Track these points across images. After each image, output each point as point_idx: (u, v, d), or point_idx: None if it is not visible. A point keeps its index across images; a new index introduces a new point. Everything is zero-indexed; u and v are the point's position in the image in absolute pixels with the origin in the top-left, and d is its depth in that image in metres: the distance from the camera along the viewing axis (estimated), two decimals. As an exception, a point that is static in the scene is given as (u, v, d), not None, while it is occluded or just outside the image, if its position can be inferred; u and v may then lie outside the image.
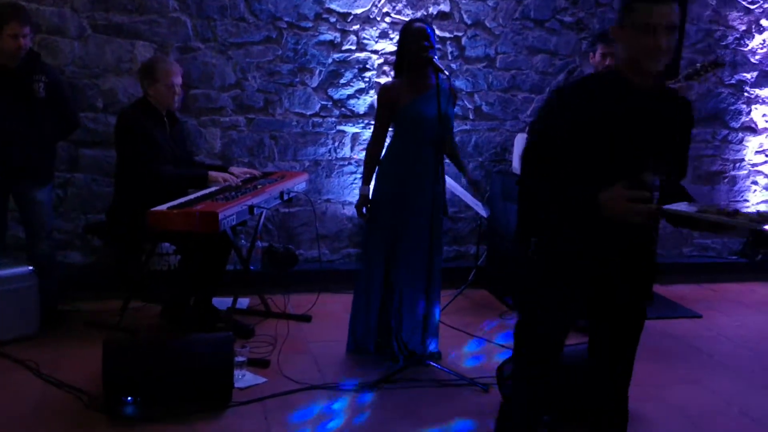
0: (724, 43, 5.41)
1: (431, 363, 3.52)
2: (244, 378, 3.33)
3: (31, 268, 3.74)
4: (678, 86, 3.80)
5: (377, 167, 3.57)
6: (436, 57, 3.31)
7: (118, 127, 3.84)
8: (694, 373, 3.69)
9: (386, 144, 3.60)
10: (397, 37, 4.73)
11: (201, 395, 3.06)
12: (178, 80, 3.85)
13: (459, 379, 3.42)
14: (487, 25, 4.97)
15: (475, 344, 3.96)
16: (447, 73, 3.27)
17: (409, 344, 3.59)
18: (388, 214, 3.51)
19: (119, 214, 3.83)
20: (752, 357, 3.97)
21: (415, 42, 3.36)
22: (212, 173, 3.88)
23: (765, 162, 5.69)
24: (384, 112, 3.52)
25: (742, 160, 5.64)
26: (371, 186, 3.55)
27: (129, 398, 2.96)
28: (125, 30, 4.38)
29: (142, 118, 3.77)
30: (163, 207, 3.32)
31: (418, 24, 3.45)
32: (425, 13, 4.84)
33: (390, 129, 3.59)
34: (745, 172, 5.67)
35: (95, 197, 4.48)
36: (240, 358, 3.34)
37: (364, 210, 3.55)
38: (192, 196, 3.61)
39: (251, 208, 3.49)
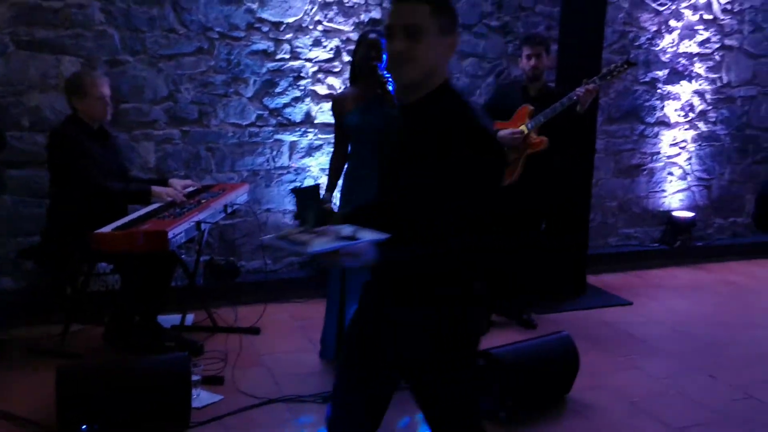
0: (637, 44, 5.72)
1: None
2: (200, 397, 3.29)
3: (-36, 298, 3.57)
4: (590, 87, 3.97)
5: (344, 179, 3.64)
6: (382, 68, 3.37)
7: (51, 146, 3.71)
8: (632, 359, 3.91)
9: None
10: (331, 45, 4.83)
11: (159, 418, 3.00)
12: (107, 91, 3.76)
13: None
14: (417, 30, 5.06)
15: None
16: (390, 87, 3.33)
17: None
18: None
19: (55, 235, 3.71)
20: (683, 340, 4.23)
21: (365, 52, 3.42)
22: (155, 188, 3.79)
23: (679, 154, 6.05)
24: (336, 123, 3.59)
25: (658, 152, 5.98)
26: (335, 194, 3.62)
27: (85, 426, 2.88)
28: (50, 45, 4.23)
29: (76, 135, 3.66)
30: (108, 228, 3.24)
31: (372, 35, 3.51)
32: (357, 21, 4.89)
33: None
34: (662, 164, 6.01)
35: (25, 220, 4.30)
36: (194, 377, 3.30)
37: None
38: (135, 215, 3.54)
39: (198, 224, 3.46)
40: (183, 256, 4.49)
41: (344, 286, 3.57)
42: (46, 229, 3.79)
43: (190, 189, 4.00)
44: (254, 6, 4.62)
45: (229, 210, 4.00)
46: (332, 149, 3.74)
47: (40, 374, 3.48)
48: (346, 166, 3.62)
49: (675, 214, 6.02)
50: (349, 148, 3.61)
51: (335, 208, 3.65)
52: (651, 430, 3.16)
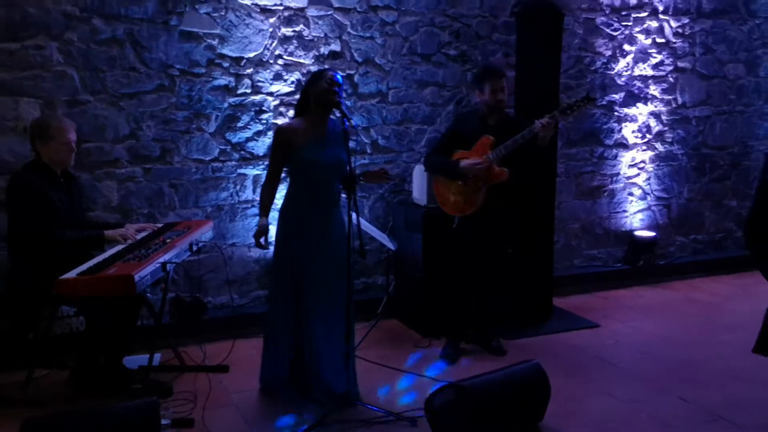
0: (593, 68, 5.86)
1: (357, 402, 3.57)
2: (170, 441, 3.25)
3: None
4: (550, 121, 3.99)
5: (279, 210, 3.70)
6: (344, 104, 3.42)
7: (9, 190, 3.67)
8: (602, 384, 3.95)
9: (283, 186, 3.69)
10: (292, 78, 4.86)
11: (128, 465, 2.96)
12: (73, 137, 3.74)
13: (386, 416, 3.49)
14: (378, 62, 5.13)
15: (396, 376, 4.04)
16: (353, 121, 3.38)
17: (330, 385, 3.62)
18: (290, 257, 3.61)
19: (17, 281, 3.64)
20: (652, 362, 4.28)
21: (324, 85, 3.47)
22: (108, 232, 3.77)
23: (638, 174, 6.19)
24: (278, 153, 3.62)
25: (618, 174, 6.11)
26: (268, 220, 3.65)
27: (50, 479, 2.82)
28: (7, 87, 4.18)
29: (36, 180, 3.62)
30: (72, 274, 3.20)
31: (330, 72, 3.57)
32: (317, 53, 4.93)
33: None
34: (622, 185, 6.14)
35: (-15, 264, 4.22)
36: (164, 421, 3.26)
37: (262, 240, 3.62)
38: (99, 259, 3.49)
39: (164, 264, 3.43)
40: (148, 294, 4.44)
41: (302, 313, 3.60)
42: (9, 274, 3.72)
43: (145, 233, 3.96)
44: (214, 42, 4.64)
45: (195, 248, 3.98)
46: (267, 176, 3.73)
47: (4, 425, 3.40)
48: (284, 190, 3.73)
49: (637, 233, 6.14)
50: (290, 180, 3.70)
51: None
52: (622, 454, 3.19)
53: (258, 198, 4.84)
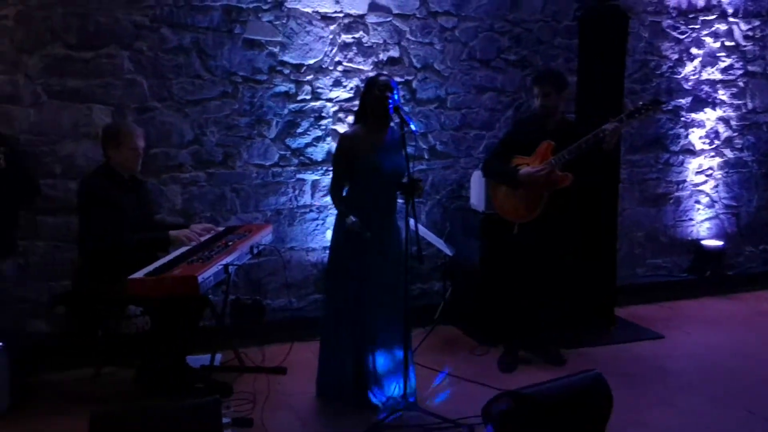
0: (658, 72, 5.72)
1: (413, 408, 3.57)
2: (229, 440, 3.31)
3: (0, 343, 3.64)
4: (617, 126, 3.92)
5: (336, 216, 3.71)
6: (403, 109, 3.44)
7: (81, 194, 3.82)
8: (668, 396, 3.84)
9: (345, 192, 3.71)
10: (351, 84, 4.91)
11: (189, 462, 3.02)
12: (142, 143, 3.86)
13: (442, 423, 3.47)
14: (436, 67, 5.13)
15: (453, 383, 4.02)
16: (411, 126, 3.38)
17: (388, 390, 3.63)
18: (350, 263, 3.62)
19: (86, 279, 3.78)
20: (718, 374, 4.14)
21: (380, 92, 3.49)
22: (173, 233, 3.87)
23: (705, 181, 5.99)
24: (341, 160, 3.64)
25: (684, 181, 5.93)
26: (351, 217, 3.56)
27: (116, 472, 2.90)
28: (81, 94, 4.36)
29: (104, 184, 3.75)
30: (140, 274, 3.31)
31: (383, 77, 3.60)
32: (376, 60, 4.97)
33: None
34: (688, 192, 5.96)
35: (57, 264, 4.40)
36: (224, 420, 3.32)
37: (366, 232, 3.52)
38: (165, 260, 3.60)
39: (226, 267, 3.51)
40: (210, 296, 4.55)
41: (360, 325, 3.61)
42: (78, 273, 3.87)
43: (209, 235, 4.05)
44: (276, 50, 4.73)
45: (255, 251, 4.05)
46: (333, 184, 3.74)
47: (72, 419, 3.53)
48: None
49: (704, 242, 5.94)
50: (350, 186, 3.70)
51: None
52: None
53: (316, 204, 4.94)
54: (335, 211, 4.94)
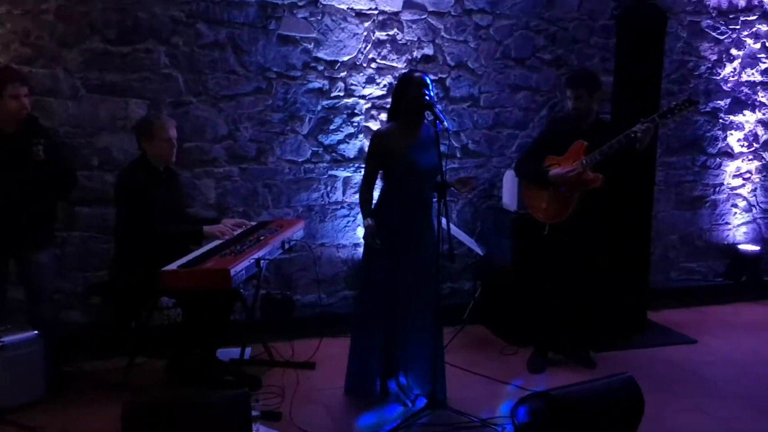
0: (697, 73, 5.62)
1: (442, 406, 3.56)
2: (258, 432, 3.34)
3: (36, 332, 3.72)
4: (650, 126, 3.86)
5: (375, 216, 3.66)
6: (437, 106, 3.43)
7: (117, 186, 3.89)
8: (699, 401, 3.78)
9: (379, 190, 3.70)
10: (385, 82, 4.91)
11: (219, 454, 3.05)
12: (174, 133, 3.91)
13: (471, 421, 3.46)
14: (470, 66, 5.11)
15: (482, 383, 4.00)
16: (445, 123, 3.37)
17: (416, 387, 3.63)
18: (384, 259, 3.60)
19: (122, 271, 3.84)
20: (752, 381, 4.07)
21: (415, 89, 3.47)
22: (206, 228, 3.91)
23: (743, 185, 5.88)
24: (374, 158, 3.63)
25: (722, 184, 5.82)
26: (372, 219, 3.57)
27: (148, 461, 2.94)
28: (118, 88, 4.43)
29: (141, 178, 3.81)
30: (174, 266, 3.35)
31: (418, 74, 3.57)
32: (410, 57, 4.96)
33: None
34: (725, 195, 5.85)
35: (93, 255, 4.48)
36: (253, 412, 3.34)
37: (373, 239, 3.54)
38: (198, 253, 3.64)
39: (258, 261, 3.54)
40: (241, 290, 4.59)
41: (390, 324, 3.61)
42: (114, 264, 3.93)
43: (241, 230, 4.08)
44: (310, 46, 4.75)
45: (287, 246, 4.07)
46: (364, 181, 3.71)
47: (106, 408, 3.59)
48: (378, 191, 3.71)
49: (740, 247, 5.83)
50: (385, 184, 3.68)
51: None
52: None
53: (347, 200, 4.95)
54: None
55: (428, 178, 3.58)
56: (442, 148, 3.43)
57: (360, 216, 4.93)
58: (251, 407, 3.30)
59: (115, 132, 4.46)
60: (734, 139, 5.80)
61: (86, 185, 4.41)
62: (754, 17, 5.69)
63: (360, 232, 4.97)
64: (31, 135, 3.70)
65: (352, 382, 3.82)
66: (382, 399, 3.71)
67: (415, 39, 4.96)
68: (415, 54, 4.98)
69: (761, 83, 5.79)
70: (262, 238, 3.87)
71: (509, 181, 4.77)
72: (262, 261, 3.59)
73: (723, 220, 5.87)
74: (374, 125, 4.91)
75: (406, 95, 3.53)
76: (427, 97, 3.45)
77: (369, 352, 3.73)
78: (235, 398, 3.12)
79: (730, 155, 5.82)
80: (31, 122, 3.76)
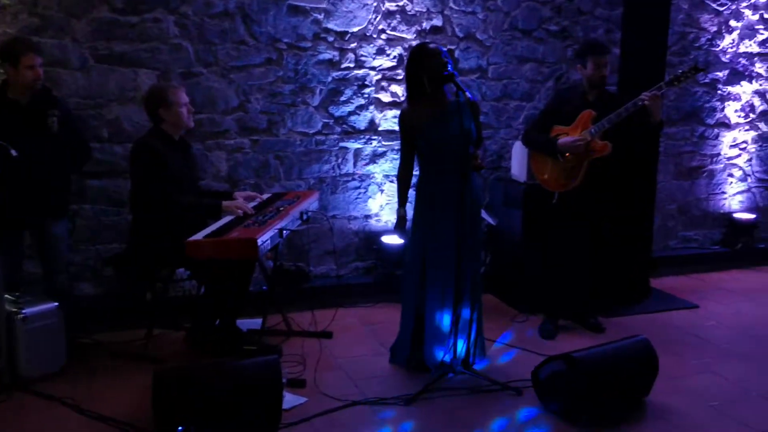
0: (697, 45, 5.69)
1: (463, 371, 3.63)
2: (286, 399, 3.37)
3: (56, 303, 3.71)
4: (657, 93, 3.92)
5: (416, 191, 3.71)
6: (458, 77, 3.44)
7: (133, 156, 3.84)
8: (706, 363, 3.91)
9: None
10: (394, 53, 4.90)
11: (251, 419, 3.10)
12: (186, 98, 3.87)
13: (491, 385, 3.54)
14: (479, 37, 5.12)
15: (497, 349, 4.09)
16: (468, 92, 3.38)
17: (442, 353, 3.65)
18: (423, 234, 3.64)
19: (141, 242, 3.83)
20: (755, 342, 4.21)
21: (434, 60, 3.47)
22: (225, 203, 3.86)
23: (739, 155, 6.00)
24: (406, 137, 3.65)
25: (719, 154, 5.94)
26: (405, 209, 3.67)
27: (181, 428, 2.98)
28: (127, 59, 4.38)
29: (157, 146, 3.78)
30: (199, 236, 3.35)
31: (432, 45, 3.57)
32: (419, 29, 4.96)
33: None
34: (722, 165, 5.97)
35: (104, 228, 4.46)
36: (281, 380, 3.39)
37: (400, 231, 3.67)
38: (219, 224, 3.65)
39: (281, 231, 3.56)
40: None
41: (422, 294, 3.65)
42: (132, 236, 3.92)
43: (255, 203, 4.08)
44: (320, 17, 4.73)
45: (305, 217, 4.09)
46: (398, 159, 3.77)
47: (126, 377, 3.62)
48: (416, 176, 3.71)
49: (736, 216, 5.97)
50: (419, 159, 3.68)
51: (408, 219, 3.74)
52: (737, 434, 3.16)
53: (358, 172, 4.97)
54: (378, 180, 5.02)
55: (463, 143, 3.50)
56: (482, 118, 3.45)
57: (371, 188, 5.00)
58: (281, 372, 3.35)
59: (125, 103, 4.42)
60: (731, 110, 5.90)
61: (96, 157, 4.36)
62: (753, -11, 5.77)
63: (371, 203, 5.02)
64: (46, 106, 3.67)
65: (393, 348, 3.87)
66: (405, 365, 3.77)
67: (425, 10, 4.95)
68: (424, 25, 4.98)
69: (758, 54, 5.89)
70: (281, 208, 3.88)
71: (519, 152, 4.82)
72: (284, 231, 3.61)
73: (719, 189, 6.00)
74: (384, 96, 4.93)
75: (425, 68, 3.51)
76: (447, 70, 3.45)
77: (406, 317, 3.77)
78: (266, 363, 3.17)
79: (728, 126, 5.92)
80: (44, 93, 3.73)
